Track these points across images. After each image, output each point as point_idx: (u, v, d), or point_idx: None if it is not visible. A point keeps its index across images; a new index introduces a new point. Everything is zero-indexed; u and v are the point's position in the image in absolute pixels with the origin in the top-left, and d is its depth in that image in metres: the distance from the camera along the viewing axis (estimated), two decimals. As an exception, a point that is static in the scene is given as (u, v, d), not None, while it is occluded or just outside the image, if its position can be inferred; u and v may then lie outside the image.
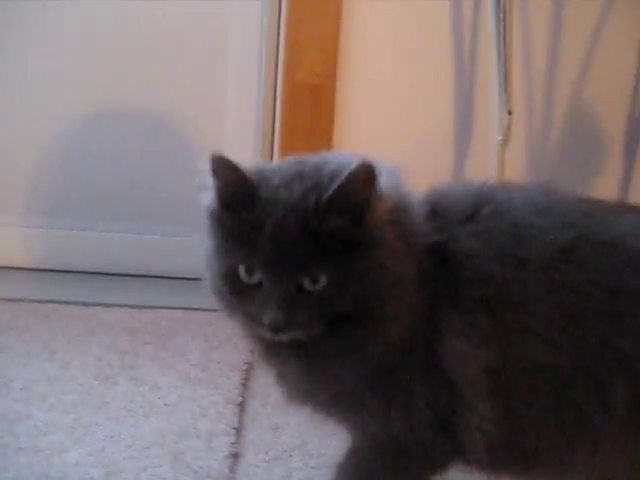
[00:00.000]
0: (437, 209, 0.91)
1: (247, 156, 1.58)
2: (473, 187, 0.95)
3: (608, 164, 1.64)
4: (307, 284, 0.82)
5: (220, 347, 1.47)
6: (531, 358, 0.87)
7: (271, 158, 1.59)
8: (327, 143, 1.55)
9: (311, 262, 0.82)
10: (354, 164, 0.81)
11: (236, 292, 0.86)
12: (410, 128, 1.59)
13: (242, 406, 1.32)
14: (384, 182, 0.84)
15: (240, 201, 0.84)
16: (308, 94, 1.54)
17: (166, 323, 1.54)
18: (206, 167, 0.83)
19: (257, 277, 0.83)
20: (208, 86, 1.61)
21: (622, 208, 0.99)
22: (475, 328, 0.87)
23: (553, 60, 1.59)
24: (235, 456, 1.21)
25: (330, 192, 0.81)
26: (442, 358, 0.88)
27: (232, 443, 1.22)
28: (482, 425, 0.89)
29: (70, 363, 1.39)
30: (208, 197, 0.87)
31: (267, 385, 1.38)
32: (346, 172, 0.81)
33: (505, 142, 1.45)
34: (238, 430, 1.26)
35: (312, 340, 0.85)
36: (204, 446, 1.21)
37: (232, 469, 1.17)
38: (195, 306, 1.58)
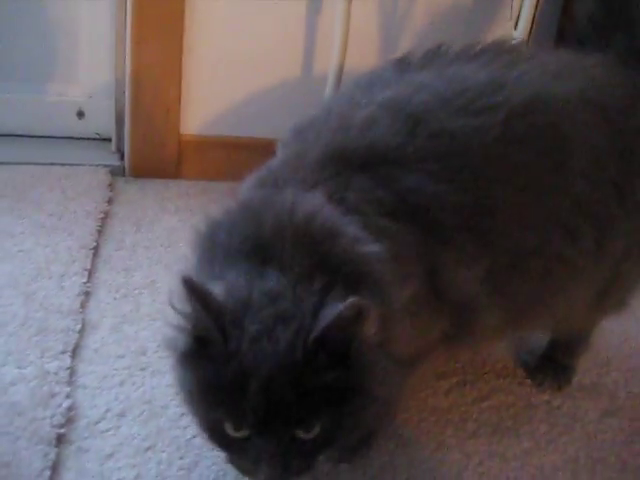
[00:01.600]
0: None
1: None
2: None
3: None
4: (300, 434, 0.78)
5: (77, 198, 1.49)
6: (517, 244, 0.92)
7: None
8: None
9: (303, 416, 0.76)
10: (340, 305, 0.74)
11: (224, 443, 0.81)
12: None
13: (96, 250, 1.37)
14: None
15: (215, 348, 0.76)
16: None
17: (22, 177, 1.54)
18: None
19: (246, 432, 0.78)
20: None
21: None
22: (463, 251, 0.89)
23: None
24: (86, 294, 1.27)
25: (316, 334, 0.75)
26: (442, 289, 0.89)
27: (84, 283, 1.28)
28: (484, 322, 0.94)
29: None
30: (180, 324, 0.81)
31: (122, 232, 1.44)
32: (332, 314, 0.74)
33: (351, -4, 1.49)
34: (91, 272, 1.32)
35: None
36: (56, 286, 1.26)
37: (83, 305, 1.24)
38: (51, 161, 1.59)
